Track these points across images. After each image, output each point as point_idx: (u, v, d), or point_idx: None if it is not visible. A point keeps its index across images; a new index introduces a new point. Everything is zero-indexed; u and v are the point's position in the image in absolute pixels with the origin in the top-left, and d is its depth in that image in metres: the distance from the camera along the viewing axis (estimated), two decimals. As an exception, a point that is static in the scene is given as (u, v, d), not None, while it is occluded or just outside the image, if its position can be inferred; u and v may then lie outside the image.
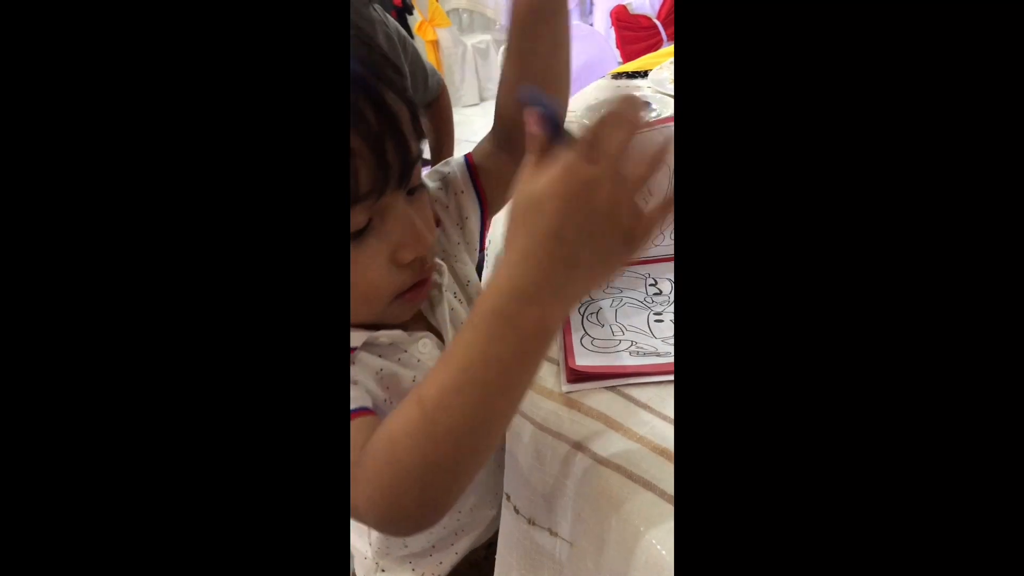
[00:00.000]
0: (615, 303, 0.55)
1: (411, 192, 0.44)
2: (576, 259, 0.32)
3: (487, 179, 0.56)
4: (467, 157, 0.57)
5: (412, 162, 0.42)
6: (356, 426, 0.39)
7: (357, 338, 0.45)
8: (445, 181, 0.56)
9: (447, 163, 0.57)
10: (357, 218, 0.40)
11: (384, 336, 0.47)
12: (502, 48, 1.73)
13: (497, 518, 0.53)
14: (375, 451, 0.36)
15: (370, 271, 0.43)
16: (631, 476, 0.39)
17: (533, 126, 0.33)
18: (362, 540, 0.58)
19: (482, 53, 3.89)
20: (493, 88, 4.00)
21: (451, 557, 0.58)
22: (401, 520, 0.37)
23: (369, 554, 0.60)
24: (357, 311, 0.45)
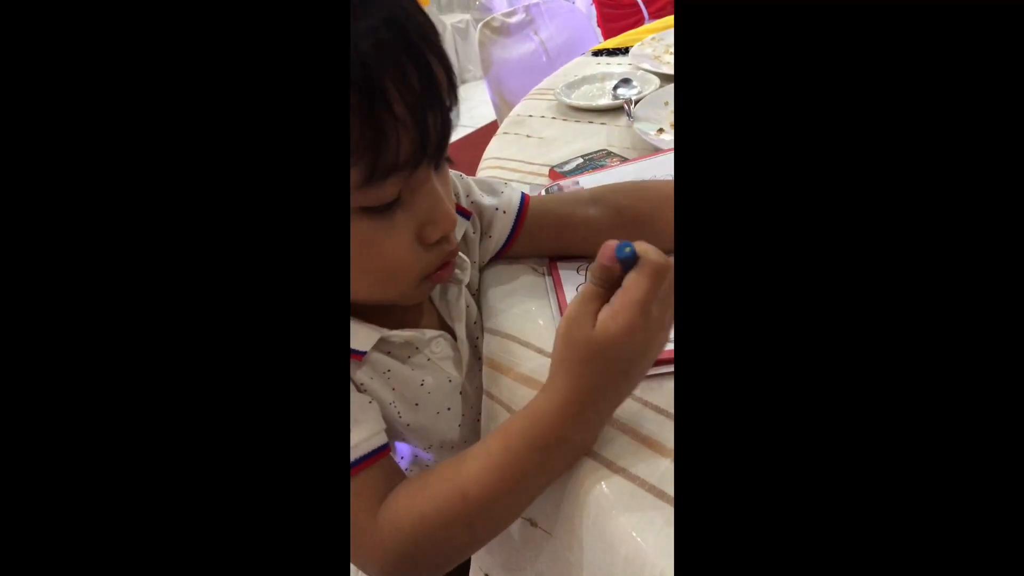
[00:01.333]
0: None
1: (437, 166, 0.41)
2: (624, 394, 0.39)
3: (543, 219, 0.55)
4: (523, 202, 0.56)
5: (448, 133, 0.39)
6: (371, 474, 0.41)
7: (370, 337, 0.44)
8: (498, 197, 0.55)
9: (507, 184, 0.57)
10: (390, 191, 0.37)
11: (396, 337, 0.46)
12: (479, 25, 1.70)
13: None
14: (400, 521, 0.38)
15: (397, 249, 0.40)
16: (610, 466, 0.38)
17: (609, 262, 0.36)
18: None
19: (461, 33, 3.83)
20: (473, 69, 3.96)
21: None
22: None
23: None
24: (379, 292, 0.43)
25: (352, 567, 0.60)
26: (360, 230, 0.38)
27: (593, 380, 0.36)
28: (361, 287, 0.41)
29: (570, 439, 0.37)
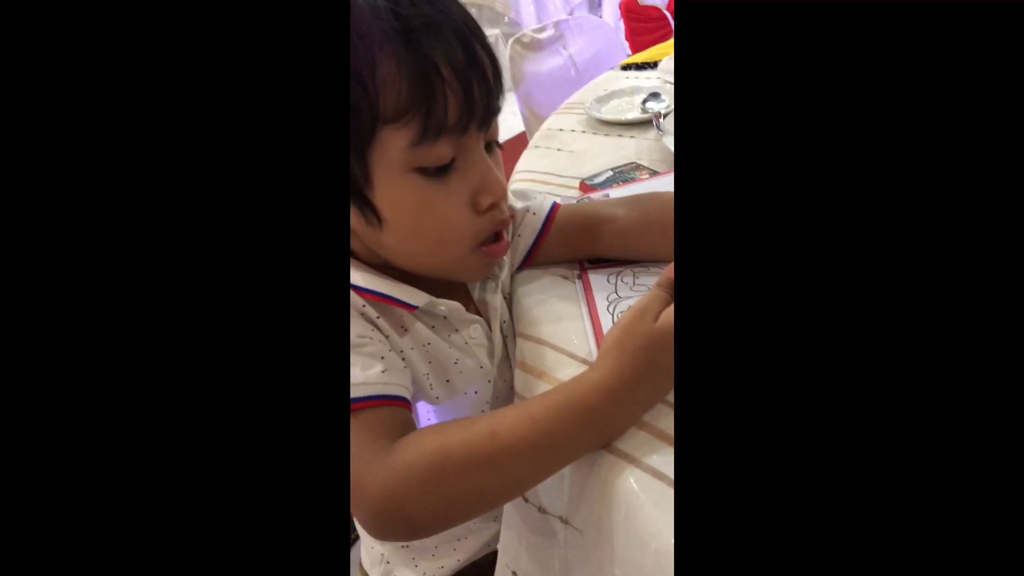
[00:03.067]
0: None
1: (488, 147, 0.46)
2: (661, 390, 0.41)
3: (572, 220, 0.58)
4: (554, 205, 0.59)
5: (494, 109, 0.44)
6: (392, 413, 0.41)
7: (419, 298, 0.47)
8: (530, 201, 0.58)
9: (538, 193, 0.61)
10: (443, 151, 0.42)
11: (444, 306, 0.49)
12: (510, 42, 1.73)
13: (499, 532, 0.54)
14: (420, 447, 0.38)
15: (451, 211, 0.44)
16: (638, 464, 0.40)
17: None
18: None
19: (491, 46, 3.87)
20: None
21: (452, 563, 0.60)
22: (401, 521, 0.38)
23: (375, 544, 0.61)
24: (435, 256, 0.47)
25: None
26: (416, 190, 0.42)
27: (641, 367, 0.39)
28: (418, 251, 0.46)
29: (607, 415, 0.39)
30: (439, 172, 0.42)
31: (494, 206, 0.45)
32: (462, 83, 0.40)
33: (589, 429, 0.39)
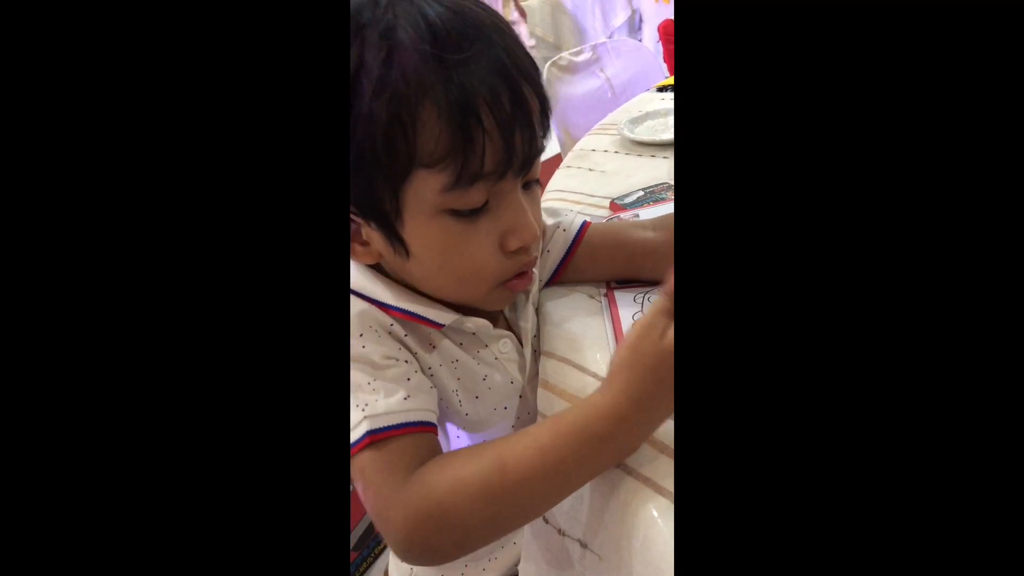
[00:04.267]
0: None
1: (527, 186, 0.45)
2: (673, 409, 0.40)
3: (601, 238, 0.59)
4: (584, 223, 0.59)
5: (536, 153, 0.43)
6: (414, 441, 0.42)
7: (446, 317, 0.47)
8: (560, 218, 0.59)
9: (569, 211, 0.61)
10: (475, 197, 0.41)
11: (471, 323, 0.49)
12: (547, 64, 1.74)
13: None
14: (435, 481, 0.39)
15: (478, 253, 0.44)
16: (660, 490, 0.39)
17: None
18: None
19: (530, 70, 3.91)
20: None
21: None
22: (425, 551, 0.39)
23: None
24: (458, 292, 0.47)
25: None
26: (445, 231, 0.42)
27: (651, 388, 0.38)
28: (442, 284, 0.46)
29: (616, 438, 0.39)
30: (471, 214, 0.42)
31: (522, 249, 0.45)
32: (503, 132, 0.39)
33: (600, 455, 0.39)
